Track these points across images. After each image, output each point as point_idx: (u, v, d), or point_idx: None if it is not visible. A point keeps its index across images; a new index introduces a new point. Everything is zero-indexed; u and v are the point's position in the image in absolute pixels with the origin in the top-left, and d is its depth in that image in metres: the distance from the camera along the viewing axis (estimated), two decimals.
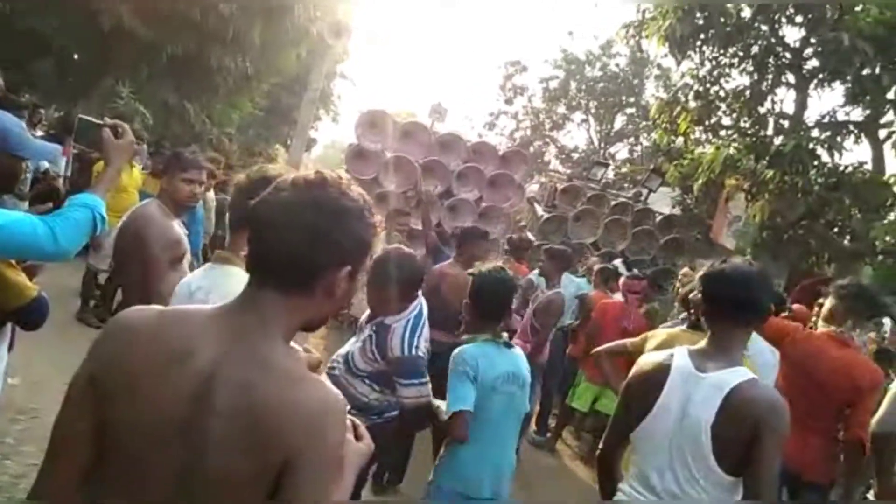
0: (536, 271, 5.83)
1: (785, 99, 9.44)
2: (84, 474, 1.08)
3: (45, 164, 6.07)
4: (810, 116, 9.38)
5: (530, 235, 8.66)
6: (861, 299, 3.33)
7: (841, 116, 9.04)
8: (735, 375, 1.89)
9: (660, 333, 3.38)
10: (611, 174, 15.42)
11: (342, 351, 2.87)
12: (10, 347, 2.43)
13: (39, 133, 6.55)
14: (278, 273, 1.09)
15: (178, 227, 2.96)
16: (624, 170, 18.11)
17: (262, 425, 1.01)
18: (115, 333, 1.10)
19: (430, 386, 2.69)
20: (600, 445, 2.20)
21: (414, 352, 2.66)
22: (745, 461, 1.83)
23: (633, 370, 2.09)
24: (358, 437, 1.25)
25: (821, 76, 8.90)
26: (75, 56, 10.53)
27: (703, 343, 2.01)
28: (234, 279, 1.92)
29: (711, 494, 1.88)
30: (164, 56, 10.30)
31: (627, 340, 3.55)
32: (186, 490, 1.03)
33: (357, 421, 1.29)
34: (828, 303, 3.43)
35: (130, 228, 2.85)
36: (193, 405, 1.02)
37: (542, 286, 5.37)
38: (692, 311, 3.11)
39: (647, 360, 2.08)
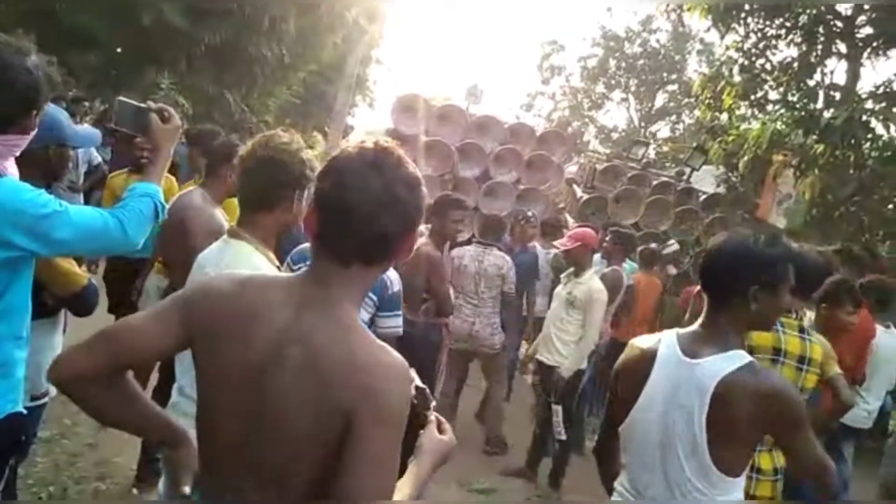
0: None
1: (836, 70, 9.06)
2: (111, 373, 1.19)
3: (98, 157, 6.21)
4: (863, 87, 8.97)
5: (569, 217, 8.55)
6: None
7: None
8: (728, 362, 1.66)
9: None
10: (652, 153, 15.01)
11: None
12: (63, 332, 2.53)
13: (85, 125, 6.72)
14: (370, 251, 1.17)
15: (220, 216, 3.00)
16: (665, 148, 17.67)
17: (323, 379, 1.08)
18: (206, 290, 1.22)
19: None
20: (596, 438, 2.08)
21: (400, 285, 2.77)
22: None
23: (622, 356, 1.90)
24: (441, 432, 1.28)
25: (875, 44, 8.50)
26: (118, 49, 10.78)
27: (695, 326, 1.79)
28: (252, 258, 1.97)
29: (706, 495, 1.67)
30: (202, 46, 10.46)
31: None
32: (253, 436, 1.12)
33: (441, 417, 1.32)
34: None
35: (175, 217, 2.90)
36: (265, 358, 1.11)
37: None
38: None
39: (633, 346, 1.89)
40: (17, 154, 1.78)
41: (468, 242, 5.86)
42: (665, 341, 1.77)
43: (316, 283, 1.17)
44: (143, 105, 1.91)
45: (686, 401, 1.67)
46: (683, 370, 1.70)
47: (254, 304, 1.16)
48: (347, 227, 1.14)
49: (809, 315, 3.68)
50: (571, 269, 4.51)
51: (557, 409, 4.28)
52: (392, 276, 2.75)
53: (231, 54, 11.06)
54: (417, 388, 1.33)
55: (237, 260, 1.96)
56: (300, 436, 1.09)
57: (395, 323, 2.76)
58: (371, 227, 1.13)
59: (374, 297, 2.71)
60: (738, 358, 1.68)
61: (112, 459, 3.49)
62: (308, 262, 1.25)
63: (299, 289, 1.18)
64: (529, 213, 6.11)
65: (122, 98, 1.90)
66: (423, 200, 1.21)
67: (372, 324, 2.80)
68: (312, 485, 1.11)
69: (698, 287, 2.48)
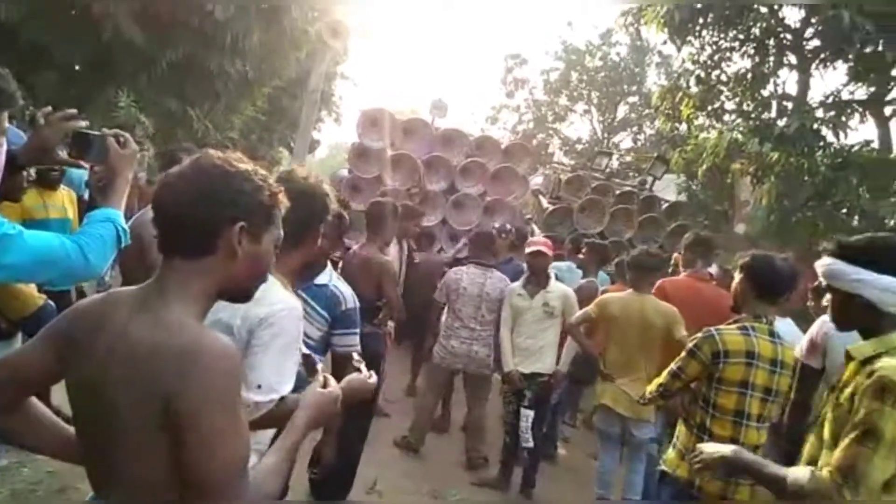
0: (563, 264, 5.74)
1: (787, 80, 9.39)
2: (7, 401, 1.29)
3: None
4: (814, 97, 9.32)
5: (536, 228, 8.65)
6: None
7: (845, 96, 8.97)
8: None
9: (613, 296, 4.16)
10: (615, 163, 15.37)
11: None
12: None
13: None
14: (178, 241, 1.22)
15: None
16: (628, 158, 18.03)
17: (141, 369, 1.11)
18: (71, 311, 1.29)
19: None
20: None
21: (356, 303, 2.71)
22: None
23: None
24: (325, 388, 1.41)
25: (823, 56, 8.83)
26: (77, 67, 10.58)
27: None
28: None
29: None
30: (163, 63, 10.33)
31: (588, 308, 4.12)
32: (100, 441, 1.18)
33: (329, 377, 1.44)
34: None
35: (133, 235, 2.86)
36: (102, 361, 1.16)
37: (572, 278, 5.36)
38: None
39: None
40: None
41: (458, 262, 5.84)
42: None
43: (154, 282, 1.23)
44: (98, 133, 1.86)
45: None
46: None
47: (102, 315, 1.21)
48: (158, 221, 1.22)
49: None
50: (535, 282, 4.52)
51: (528, 415, 4.29)
52: (345, 293, 2.68)
53: (193, 70, 10.94)
54: (304, 355, 1.52)
55: None
56: (131, 429, 1.12)
57: (350, 342, 2.68)
58: (169, 217, 1.21)
59: (325, 314, 2.63)
60: None
61: (73, 486, 3.39)
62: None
63: (140, 291, 1.24)
64: (508, 227, 6.16)
65: (77, 129, 1.85)
66: (230, 193, 1.20)
67: (328, 343, 2.71)
68: (164, 487, 1.13)
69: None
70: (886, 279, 1.73)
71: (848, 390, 1.75)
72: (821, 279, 1.89)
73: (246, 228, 1.22)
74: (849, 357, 1.83)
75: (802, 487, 1.69)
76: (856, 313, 1.81)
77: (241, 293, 1.31)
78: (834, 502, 1.61)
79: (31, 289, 2.23)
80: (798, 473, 1.74)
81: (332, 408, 1.41)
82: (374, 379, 1.54)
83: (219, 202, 1.20)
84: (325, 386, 1.41)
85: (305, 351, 1.52)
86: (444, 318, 4.86)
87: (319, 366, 1.48)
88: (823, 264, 1.87)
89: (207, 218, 1.20)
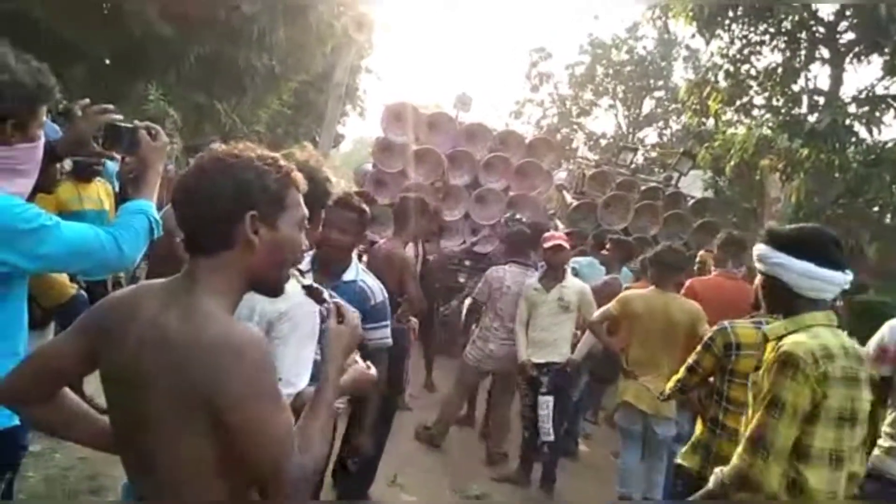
0: (584, 259, 5.70)
1: (819, 75, 9.19)
2: (41, 392, 1.31)
3: None
4: (846, 92, 9.09)
5: (559, 223, 8.60)
6: None
7: (879, 90, 8.74)
8: None
9: (635, 293, 4.12)
10: (640, 159, 15.20)
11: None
12: None
13: None
14: (196, 240, 1.22)
15: None
16: (653, 154, 17.83)
17: (172, 358, 1.12)
18: (103, 303, 1.31)
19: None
20: None
21: (385, 295, 2.72)
22: None
23: None
24: (342, 320, 1.40)
25: (857, 49, 8.62)
26: (107, 62, 10.78)
27: None
28: None
29: None
30: (191, 58, 10.49)
31: (609, 305, 4.07)
32: (134, 434, 1.19)
33: (342, 302, 1.44)
34: None
35: (164, 228, 2.91)
36: (133, 352, 1.17)
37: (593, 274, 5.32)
38: None
39: None
40: (27, 167, 1.74)
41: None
42: None
43: (182, 277, 1.24)
44: (130, 125, 1.90)
45: None
46: None
47: (133, 306, 1.22)
48: (178, 223, 1.23)
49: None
50: (551, 276, 4.52)
51: (547, 401, 4.26)
52: (373, 287, 2.70)
53: (220, 65, 11.09)
54: (307, 286, 1.48)
55: None
56: (163, 419, 1.13)
57: (382, 334, 2.71)
58: (184, 218, 1.22)
59: (355, 310, 2.64)
60: None
61: (105, 472, 3.47)
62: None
63: (170, 284, 1.25)
64: (518, 217, 6.13)
65: (110, 122, 1.89)
66: (233, 185, 1.19)
67: None
68: (197, 473, 1.15)
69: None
70: (802, 264, 1.86)
71: (763, 370, 1.89)
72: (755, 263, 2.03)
73: (257, 217, 1.20)
74: (765, 338, 1.98)
75: (723, 483, 1.87)
76: (776, 295, 1.96)
77: (269, 283, 1.29)
78: (751, 474, 1.79)
79: (64, 278, 2.28)
80: (717, 472, 1.93)
81: (354, 334, 1.41)
82: (373, 371, 1.57)
83: (223, 197, 1.18)
84: (339, 316, 1.41)
85: (306, 282, 1.48)
86: (483, 319, 4.85)
87: (326, 293, 1.46)
88: (756, 249, 2.00)
89: (216, 214, 1.19)
